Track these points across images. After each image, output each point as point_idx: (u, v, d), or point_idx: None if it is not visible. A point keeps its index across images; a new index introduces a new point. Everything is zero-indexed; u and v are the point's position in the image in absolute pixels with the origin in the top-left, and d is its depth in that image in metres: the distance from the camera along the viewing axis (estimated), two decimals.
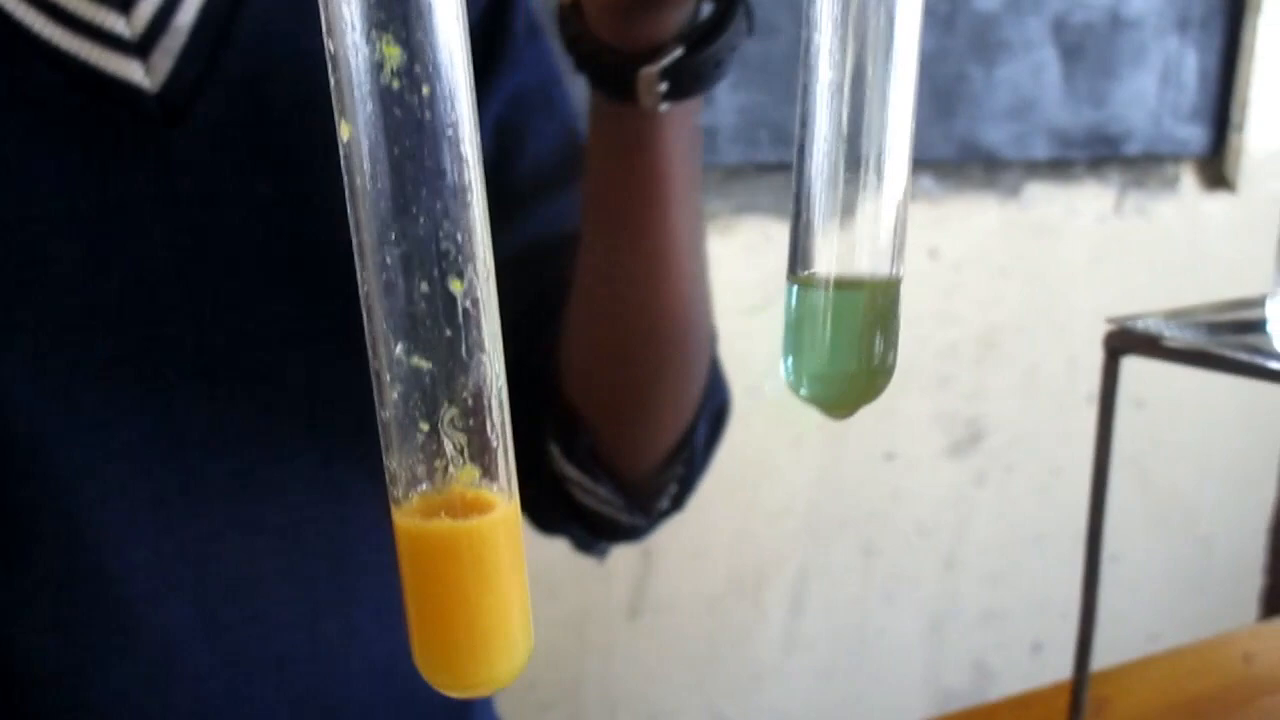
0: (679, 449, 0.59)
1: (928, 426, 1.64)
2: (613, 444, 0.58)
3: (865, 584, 1.65)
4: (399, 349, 0.24)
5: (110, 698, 0.53)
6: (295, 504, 0.56)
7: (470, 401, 0.24)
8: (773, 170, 1.44)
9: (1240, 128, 1.73)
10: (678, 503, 0.62)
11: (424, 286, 0.23)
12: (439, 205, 0.23)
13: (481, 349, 0.24)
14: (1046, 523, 1.73)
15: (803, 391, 0.37)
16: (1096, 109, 1.62)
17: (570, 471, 0.59)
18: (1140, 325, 0.47)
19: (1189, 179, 1.76)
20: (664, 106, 0.47)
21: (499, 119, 0.61)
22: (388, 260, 0.23)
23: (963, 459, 1.67)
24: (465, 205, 0.23)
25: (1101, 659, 1.41)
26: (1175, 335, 0.45)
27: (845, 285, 0.36)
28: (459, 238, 0.23)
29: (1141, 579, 1.87)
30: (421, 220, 0.23)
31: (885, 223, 0.35)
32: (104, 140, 0.51)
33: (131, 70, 0.52)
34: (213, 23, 0.53)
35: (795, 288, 0.36)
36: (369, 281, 0.24)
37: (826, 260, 0.35)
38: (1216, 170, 1.77)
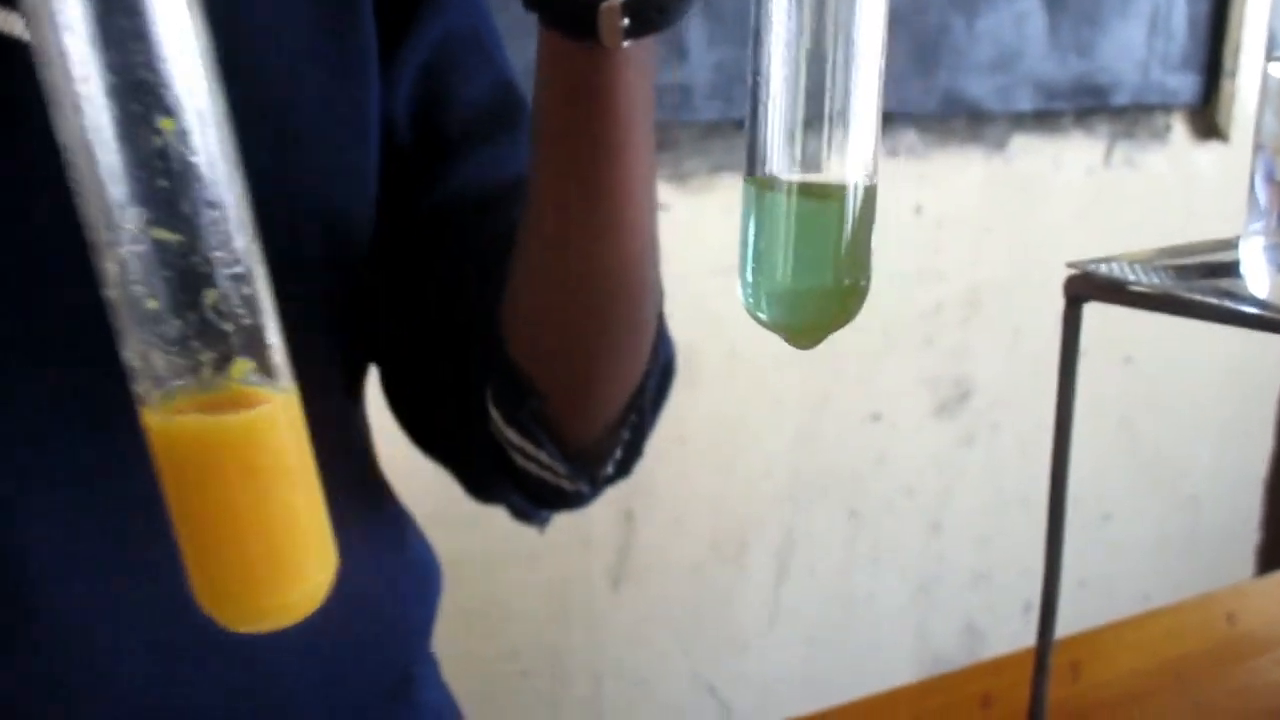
0: (626, 411, 0.56)
1: (913, 387, 1.61)
2: (560, 406, 0.55)
3: (851, 548, 1.62)
4: (114, 210, 0.20)
5: (13, 686, 0.50)
6: None
7: (205, 275, 0.20)
8: None
9: (1232, 75, 1.69)
10: (623, 468, 0.59)
11: (128, 126, 0.20)
12: (128, 24, 0.20)
13: (214, 207, 0.20)
14: (1036, 482, 1.70)
15: (762, 314, 0.33)
16: (1083, 59, 1.58)
17: (513, 437, 0.56)
18: (1104, 270, 0.44)
19: (1180, 129, 1.73)
20: (625, 44, 0.44)
21: (426, 64, 0.57)
22: (85, 100, 0.20)
23: (950, 419, 1.64)
24: (168, 29, 0.20)
25: (1092, 620, 1.39)
26: (1141, 280, 0.42)
27: (812, 190, 0.32)
28: (159, 67, 0.20)
29: (1133, 538, 1.85)
30: (115, 49, 0.19)
31: (858, 121, 0.31)
32: None
33: (12, 24, 0.48)
34: None
35: (754, 191, 0.33)
36: (69, 130, 0.20)
37: (790, 160, 0.32)
38: (1208, 119, 1.73)
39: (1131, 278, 0.43)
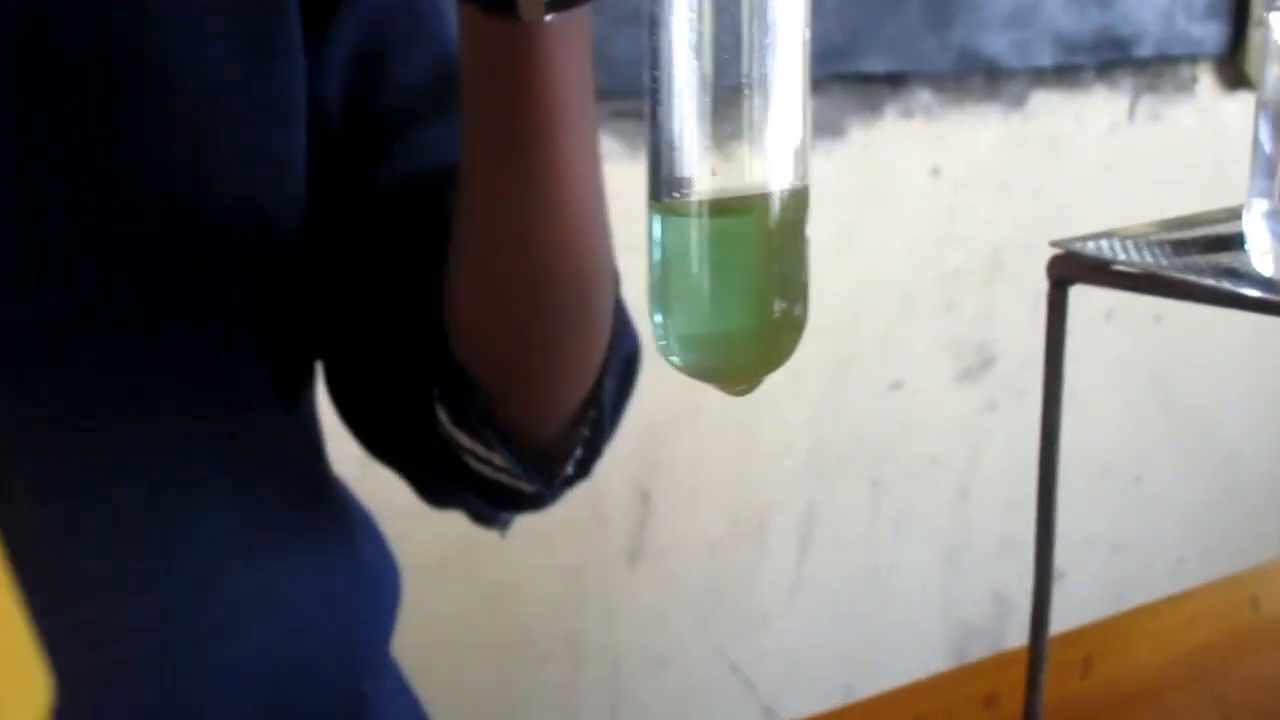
0: (584, 408, 0.52)
1: (935, 354, 1.57)
2: (510, 405, 0.51)
3: (875, 519, 1.59)
4: None
5: None
6: (121, 498, 0.50)
7: None
8: None
9: (1261, 22, 1.64)
10: (584, 468, 0.56)
11: None
12: None
13: None
14: (1064, 446, 1.66)
15: (676, 359, 0.29)
16: (1104, 10, 1.53)
17: (463, 439, 0.52)
18: (1091, 248, 0.40)
19: (1207, 80, 1.67)
20: (548, 17, 0.40)
21: (358, 44, 0.54)
22: None
23: (973, 385, 1.60)
24: None
25: (1128, 585, 1.34)
26: (1132, 259, 0.39)
27: (727, 206, 0.27)
28: None
29: (1166, 501, 1.80)
30: None
31: (778, 122, 0.26)
32: None
33: None
34: None
35: (659, 218, 0.28)
36: None
37: (699, 173, 0.26)
38: (1237, 69, 1.68)
39: (1122, 256, 0.40)
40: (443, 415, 0.52)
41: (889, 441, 1.57)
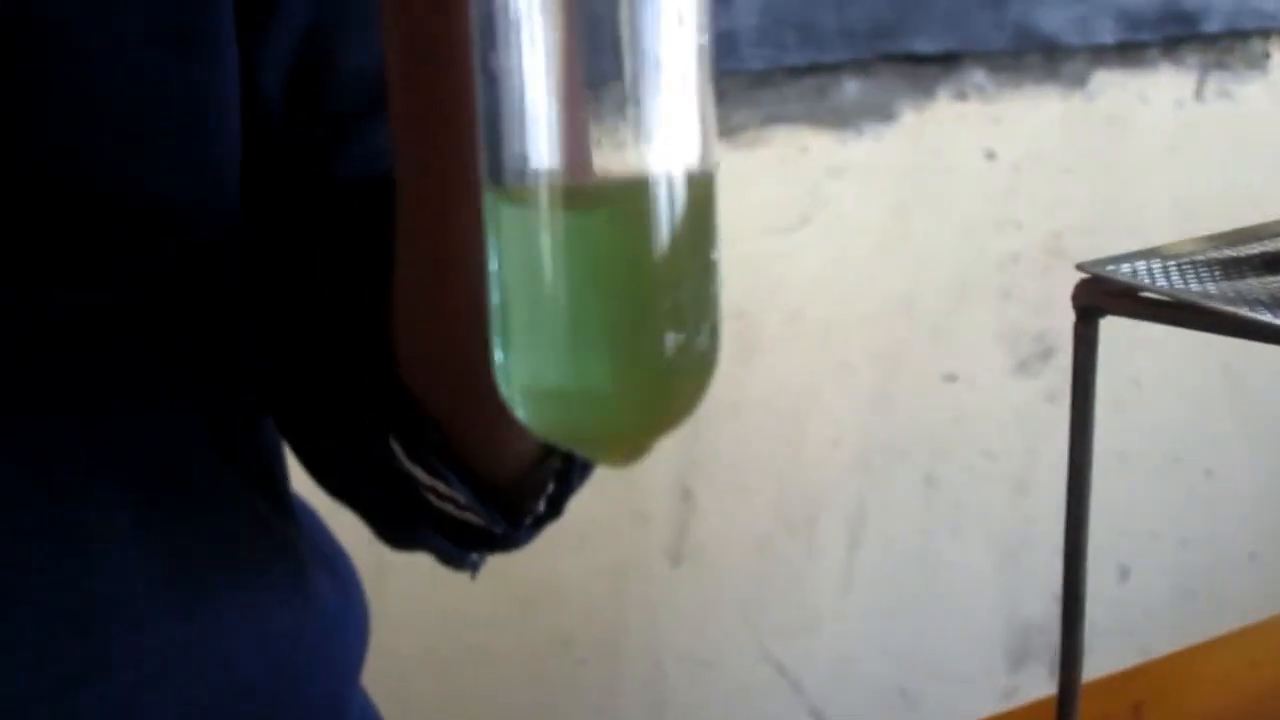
0: None
1: (991, 344, 1.52)
2: (465, 438, 0.47)
3: (929, 516, 1.53)
4: None
5: None
6: (14, 555, 0.45)
7: None
8: (803, 74, 1.32)
9: None
10: (556, 506, 0.51)
11: None
12: None
13: None
14: (1127, 439, 1.60)
15: (522, 413, 0.21)
16: None
17: (420, 475, 0.48)
18: (1125, 270, 0.35)
19: None
20: None
21: (305, 32, 0.49)
22: None
23: (1032, 377, 1.54)
24: None
25: (1199, 582, 1.27)
26: (1173, 285, 0.34)
27: (596, 198, 0.20)
28: None
29: (1238, 495, 1.73)
30: None
31: (671, 75, 0.19)
32: None
33: None
34: None
35: (497, 210, 0.20)
36: None
37: (552, 154, 0.19)
38: None
39: (1162, 281, 0.34)
40: (398, 449, 0.48)
41: (943, 436, 1.52)
